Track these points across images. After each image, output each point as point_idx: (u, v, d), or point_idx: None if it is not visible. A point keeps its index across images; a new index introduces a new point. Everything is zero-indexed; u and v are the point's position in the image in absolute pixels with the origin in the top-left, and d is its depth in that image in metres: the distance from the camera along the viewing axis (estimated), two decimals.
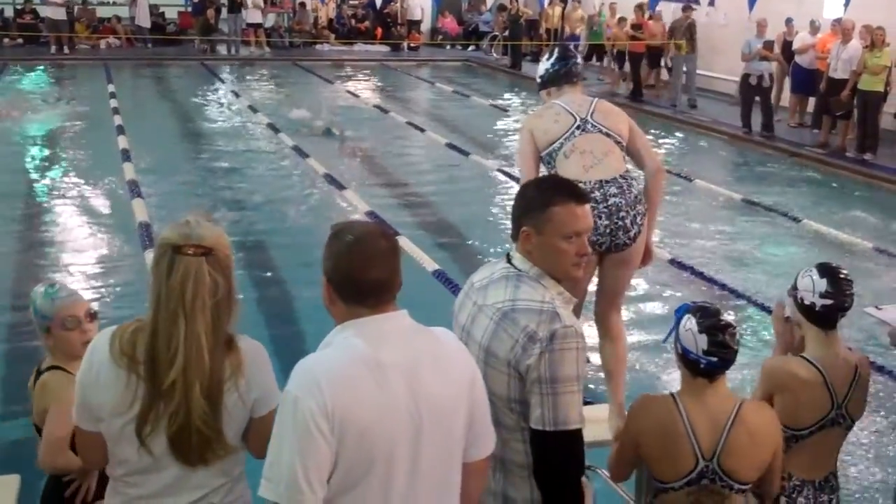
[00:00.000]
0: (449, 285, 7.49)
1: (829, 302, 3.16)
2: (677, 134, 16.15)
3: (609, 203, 3.83)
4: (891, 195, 12.18)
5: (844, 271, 3.26)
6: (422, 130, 15.10)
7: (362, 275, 2.24)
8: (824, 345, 3.22)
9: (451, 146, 13.82)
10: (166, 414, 2.32)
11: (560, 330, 2.49)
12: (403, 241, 8.69)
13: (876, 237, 9.87)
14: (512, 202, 2.78)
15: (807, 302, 3.20)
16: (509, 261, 2.70)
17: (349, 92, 19.49)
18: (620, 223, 3.84)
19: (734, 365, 2.91)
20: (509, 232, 2.73)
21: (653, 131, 16.40)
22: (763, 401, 3.11)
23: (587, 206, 2.66)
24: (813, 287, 3.18)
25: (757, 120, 15.08)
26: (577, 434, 2.53)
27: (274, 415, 2.34)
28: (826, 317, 3.20)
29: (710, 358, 2.83)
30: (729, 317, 2.97)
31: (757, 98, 15.07)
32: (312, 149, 12.93)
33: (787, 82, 16.02)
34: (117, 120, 14.20)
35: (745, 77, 15.18)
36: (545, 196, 2.62)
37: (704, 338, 2.82)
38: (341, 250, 2.27)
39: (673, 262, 8.59)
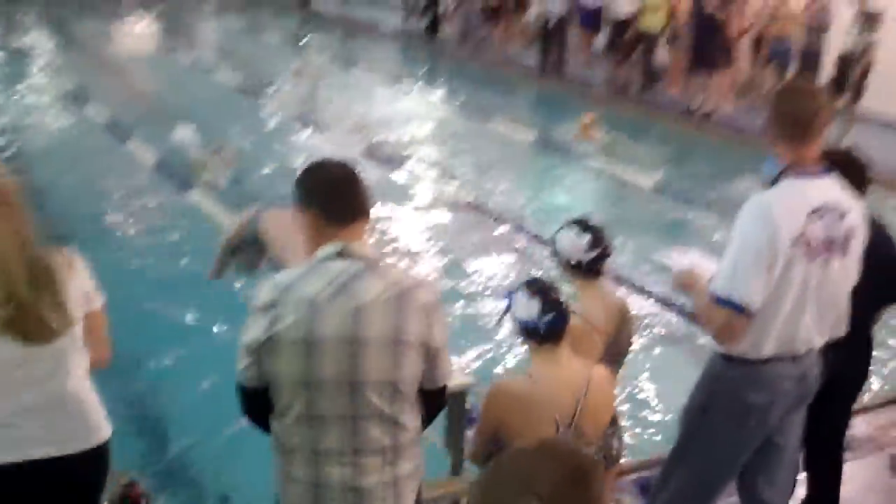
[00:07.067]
0: None
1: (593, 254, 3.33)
2: (473, 69, 16.31)
3: None
4: (670, 129, 12.73)
5: (594, 222, 3.43)
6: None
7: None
8: (592, 295, 3.35)
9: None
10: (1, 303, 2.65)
11: (436, 291, 2.56)
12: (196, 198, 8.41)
13: (655, 173, 10.28)
14: None
15: (573, 262, 3.34)
16: (345, 255, 2.45)
17: None
18: None
19: None
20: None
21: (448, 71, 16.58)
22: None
23: None
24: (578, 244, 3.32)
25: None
26: None
27: (101, 314, 2.84)
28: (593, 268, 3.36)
29: (547, 316, 2.90)
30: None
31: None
32: (96, 93, 12.24)
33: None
34: None
35: (539, 17, 15.46)
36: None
37: (536, 301, 2.91)
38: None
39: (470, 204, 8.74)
